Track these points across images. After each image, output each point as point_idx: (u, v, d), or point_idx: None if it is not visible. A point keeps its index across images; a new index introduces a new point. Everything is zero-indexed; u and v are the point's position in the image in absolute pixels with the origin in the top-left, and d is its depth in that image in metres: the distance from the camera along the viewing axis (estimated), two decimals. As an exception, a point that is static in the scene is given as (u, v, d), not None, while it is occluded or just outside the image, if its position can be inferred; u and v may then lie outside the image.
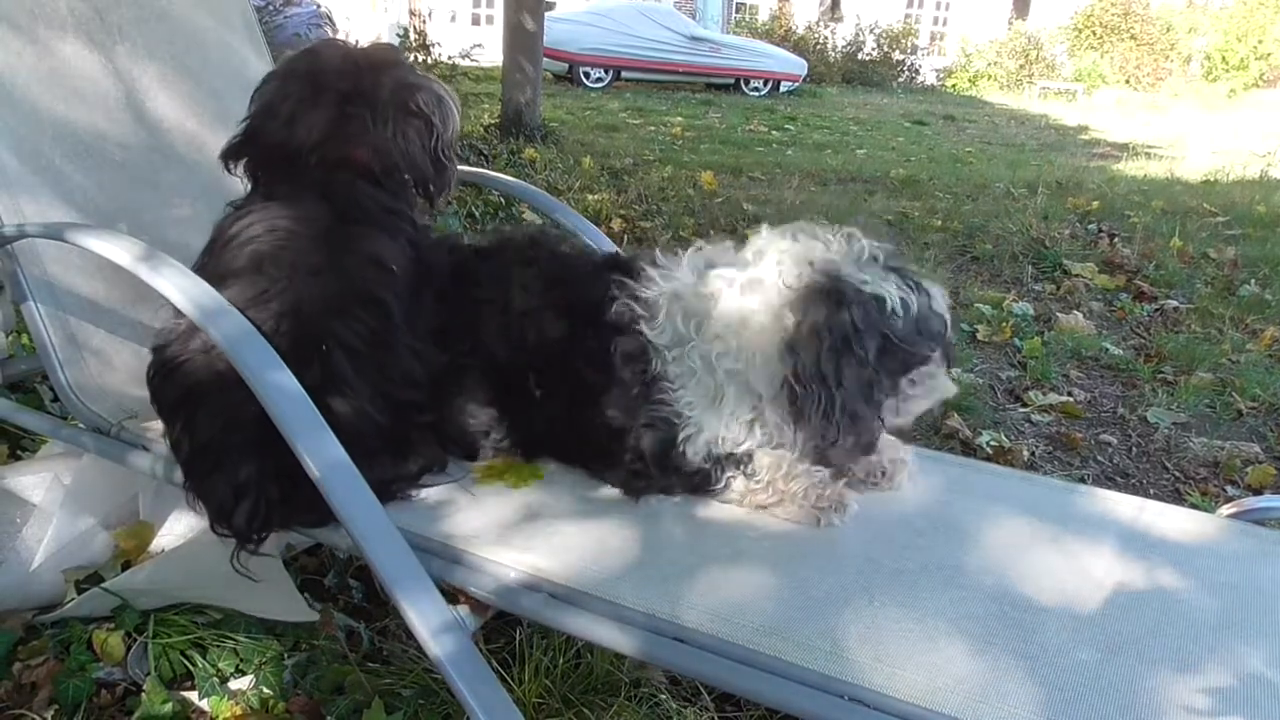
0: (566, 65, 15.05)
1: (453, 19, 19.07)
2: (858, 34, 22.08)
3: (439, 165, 1.59)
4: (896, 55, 22.42)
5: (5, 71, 1.73)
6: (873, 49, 22.18)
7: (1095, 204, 6.18)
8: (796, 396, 1.30)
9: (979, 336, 3.73)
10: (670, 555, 1.30)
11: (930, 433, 2.76)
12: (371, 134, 1.52)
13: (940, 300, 1.36)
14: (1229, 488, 2.65)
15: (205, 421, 1.35)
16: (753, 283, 1.37)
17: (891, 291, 1.29)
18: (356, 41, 1.84)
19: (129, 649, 1.65)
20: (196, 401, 1.35)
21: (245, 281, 1.35)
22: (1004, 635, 1.15)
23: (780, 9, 23.41)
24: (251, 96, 1.57)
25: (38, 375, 2.06)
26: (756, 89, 16.46)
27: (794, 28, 22.12)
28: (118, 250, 1.37)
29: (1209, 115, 17.66)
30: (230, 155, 1.57)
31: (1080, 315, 4.01)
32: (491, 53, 9.04)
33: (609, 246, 2.02)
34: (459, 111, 1.64)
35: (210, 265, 1.41)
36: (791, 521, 1.39)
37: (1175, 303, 4.29)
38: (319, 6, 10.24)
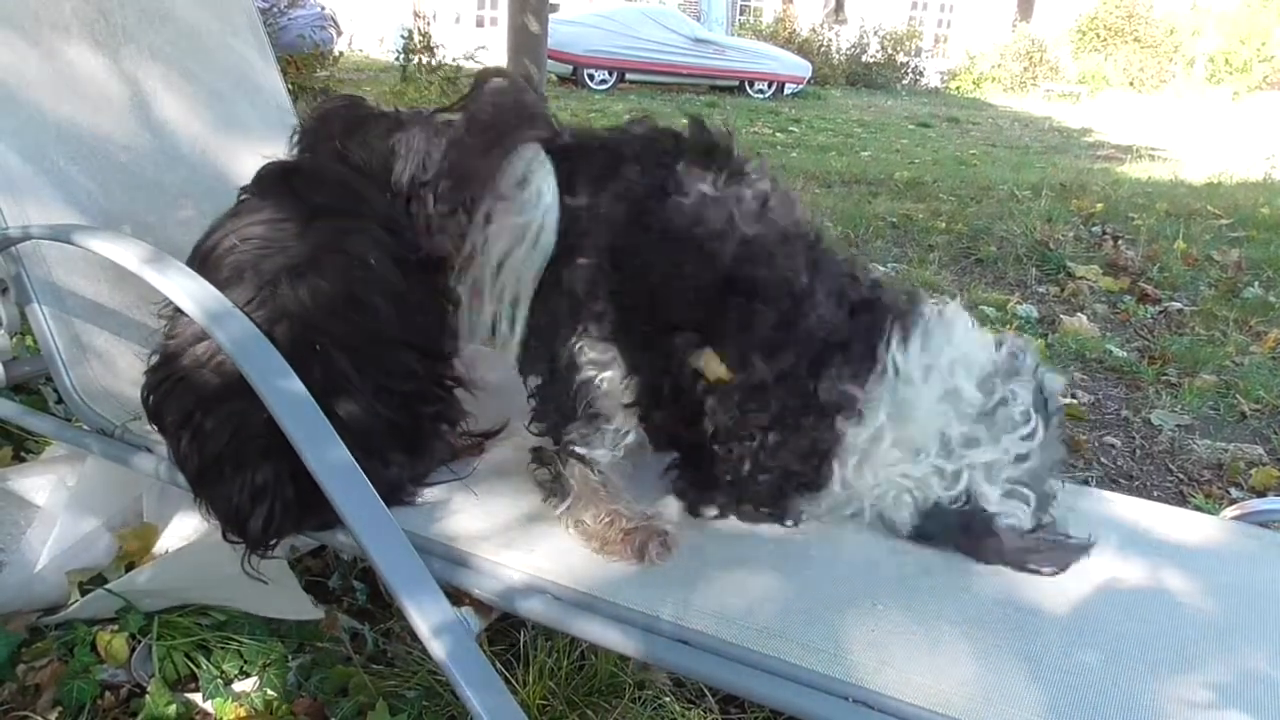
0: (571, 67, 15.06)
1: (457, 21, 19.09)
2: (862, 36, 22.05)
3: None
4: (900, 58, 22.40)
5: (9, 73, 1.73)
6: (877, 51, 22.15)
7: (1099, 206, 6.17)
8: None
9: (983, 339, 3.72)
10: (673, 557, 1.29)
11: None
12: (342, 134, 1.53)
13: None
14: (1233, 490, 2.64)
15: (215, 432, 1.33)
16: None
17: None
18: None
19: (133, 651, 1.65)
20: (204, 414, 1.33)
21: (229, 294, 1.31)
22: (1007, 637, 1.15)
23: (784, 11, 23.39)
24: None
25: (42, 377, 2.06)
26: (761, 91, 16.45)
27: (798, 30, 22.08)
28: (124, 253, 1.37)
29: (1213, 118, 17.63)
30: None
31: (1084, 317, 4.00)
32: (496, 55, 9.03)
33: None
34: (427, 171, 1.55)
35: None
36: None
37: (1179, 305, 4.28)
38: (323, 8, 10.25)
